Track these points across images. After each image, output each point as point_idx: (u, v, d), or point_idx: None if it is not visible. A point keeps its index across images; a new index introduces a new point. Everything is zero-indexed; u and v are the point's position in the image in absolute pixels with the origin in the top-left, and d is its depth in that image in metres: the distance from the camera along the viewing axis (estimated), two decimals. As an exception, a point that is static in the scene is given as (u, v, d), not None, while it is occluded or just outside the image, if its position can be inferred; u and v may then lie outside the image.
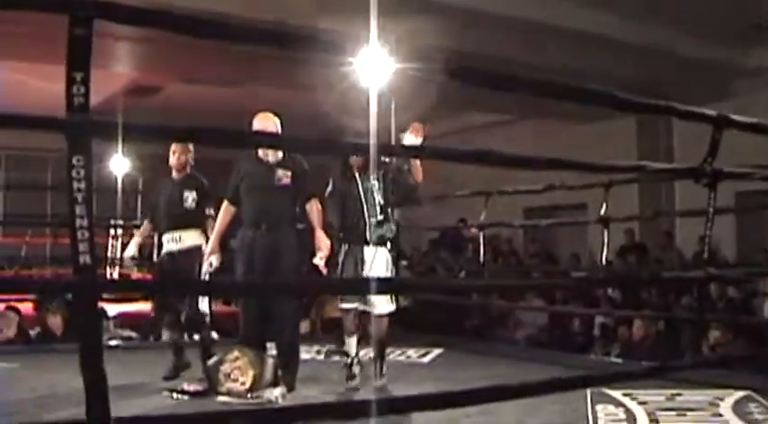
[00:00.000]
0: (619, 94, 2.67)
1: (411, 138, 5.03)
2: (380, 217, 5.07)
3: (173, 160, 5.49)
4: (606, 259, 6.76)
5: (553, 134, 12.54)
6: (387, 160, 5.16)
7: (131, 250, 5.77)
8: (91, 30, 1.63)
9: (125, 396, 4.51)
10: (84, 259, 1.66)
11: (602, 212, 6.77)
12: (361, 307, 5.11)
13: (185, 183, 5.46)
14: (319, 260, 4.90)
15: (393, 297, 5.11)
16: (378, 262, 5.07)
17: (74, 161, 1.66)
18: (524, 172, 8.43)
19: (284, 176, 5.01)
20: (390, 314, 5.14)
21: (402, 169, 5.12)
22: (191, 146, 5.53)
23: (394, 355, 6.01)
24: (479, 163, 2.59)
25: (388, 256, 5.14)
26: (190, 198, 5.41)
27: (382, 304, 5.06)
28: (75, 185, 1.66)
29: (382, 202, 5.09)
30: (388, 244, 5.17)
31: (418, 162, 5.07)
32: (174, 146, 5.50)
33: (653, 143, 11.88)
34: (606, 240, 6.65)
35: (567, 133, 12.52)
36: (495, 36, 8.95)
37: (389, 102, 8.84)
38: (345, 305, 5.14)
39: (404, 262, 8.58)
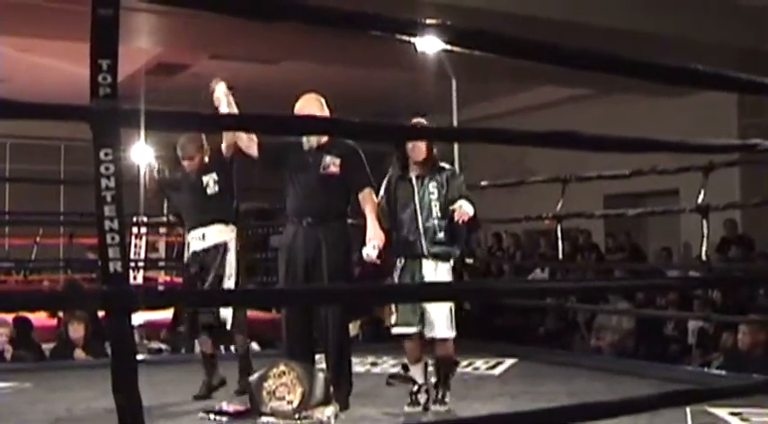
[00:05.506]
0: (726, 73, 2.46)
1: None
2: (441, 235, 4.85)
3: (190, 165, 5.40)
4: (706, 254, 6.62)
5: (638, 110, 12.37)
6: (446, 166, 5.01)
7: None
8: (117, 10, 1.61)
9: (155, 419, 4.52)
10: (116, 266, 1.66)
11: (700, 199, 6.61)
12: (420, 330, 4.87)
13: (203, 170, 5.37)
14: (372, 250, 4.74)
15: (452, 321, 4.85)
16: (439, 280, 4.82)
17: (101, 155, 1.65)
18: (602, 153, 8.23)
19: (331, 163, 4.92)
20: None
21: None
22: (206, 145, 5.40)
23: (459, 367, 5.93)
24: (561, 146, 2.53)
25: (450, 271, 4.95)
26: (211, 181, 5.34)
27: (443, 327, 4.84)
28: (104, 183, 1.65)
29: (440, 214, 4.85)
30: (452, 261, 4.98)
31: (462, 205, 4.74)
32: (189, 151, 5.35)
33: (756, 119, 11.62)
34: (706, 232, 6.52)
35: (656, 109, 12.33)
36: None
37: (450, 79, 8.81)
38: (402, 330, 4.91)
39: (469, 260, 8.48)
